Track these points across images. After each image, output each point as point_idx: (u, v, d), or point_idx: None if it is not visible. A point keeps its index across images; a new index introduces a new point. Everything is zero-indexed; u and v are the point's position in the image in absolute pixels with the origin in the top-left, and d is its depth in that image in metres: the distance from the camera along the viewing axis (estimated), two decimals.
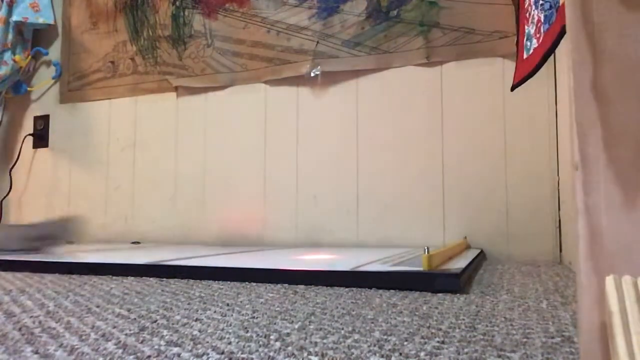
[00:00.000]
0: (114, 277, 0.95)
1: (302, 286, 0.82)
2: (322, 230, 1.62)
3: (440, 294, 0.74)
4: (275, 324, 0.53)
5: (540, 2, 0.91)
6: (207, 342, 0.45)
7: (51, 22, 2.10)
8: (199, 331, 0.49)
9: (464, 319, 0.55)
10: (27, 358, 0.40)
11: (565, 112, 1.20)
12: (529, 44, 1.02)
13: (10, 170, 2.12)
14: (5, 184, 2.12)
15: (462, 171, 1.48)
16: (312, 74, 1.64)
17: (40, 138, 2.11)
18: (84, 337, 0.47)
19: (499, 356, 0.41)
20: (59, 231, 1.40)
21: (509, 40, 1.41)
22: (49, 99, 2.12)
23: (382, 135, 1.57)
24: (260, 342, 0.45)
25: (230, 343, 0.45)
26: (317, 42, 1.65)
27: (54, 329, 0.51)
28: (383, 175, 1.56)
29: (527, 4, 1.02)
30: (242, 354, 0.41)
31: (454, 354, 0.41)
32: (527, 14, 1.03)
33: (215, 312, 0.60)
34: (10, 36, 2.05)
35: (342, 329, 0.51)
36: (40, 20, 2.08)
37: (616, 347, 0.25)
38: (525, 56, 1.06)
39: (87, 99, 2.04)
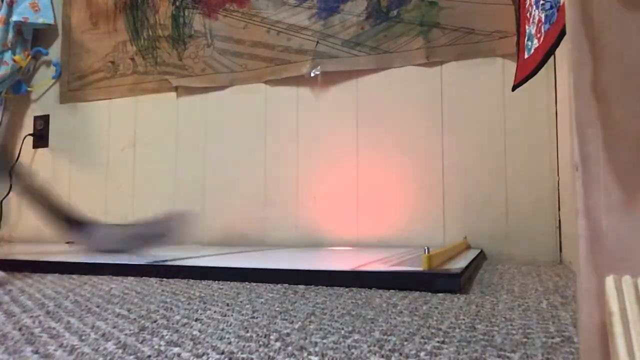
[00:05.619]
0: (114, 277, 0.95)
1: (302, 286, 0.82)
2: (322, 230, 1.62)
3: (440, 294, 0.74)
4: (275, 324, 0.53)
5: (541, 2, 0.91)
6: (207, 342, 0.45)
7: (51, 22, 2.10)
8: (199, 331, 0.49)
9: (464, 319, 0.55)
10: (27, 358, 0.40)
11: (565, 112, 1.20)
12: (530, 44, 1.02)
13: (10, 170, 2.12)
14: (5, 184, 2.12)
15: (462, 171, 1.48)
16: (312, 74, 1.64)
17: (40, 138, 2.11)
18: (84, 337, 0.47)
19: (499, 356, 0.41)
20: (161, 231, 1.34)
21: (509, 40, 1.41)
22: (49, 99, 2.12)
23: (382, 135, 1.57)
24: (260, 342, 0.45)
25: (230, 343, 0.45)
26: (317, 42, 1.65)
27: (54, 329, 0.51)
28: (383, 175, 1.56)
29: (528, 3, 1.02)
30: (242, 354, 0.41)
31: (454, 354, 0.41)
32: (528, 14, 1.03)
33: (215, 312, 0.60)
34: (10, 36, 2.05)
35: (342, 329, 0.51)
36: (40, 20, 2.08)
37: (616, 347, 0.25)
38: (526, 56, 1.06)
39: (87, 99, 2.04)
